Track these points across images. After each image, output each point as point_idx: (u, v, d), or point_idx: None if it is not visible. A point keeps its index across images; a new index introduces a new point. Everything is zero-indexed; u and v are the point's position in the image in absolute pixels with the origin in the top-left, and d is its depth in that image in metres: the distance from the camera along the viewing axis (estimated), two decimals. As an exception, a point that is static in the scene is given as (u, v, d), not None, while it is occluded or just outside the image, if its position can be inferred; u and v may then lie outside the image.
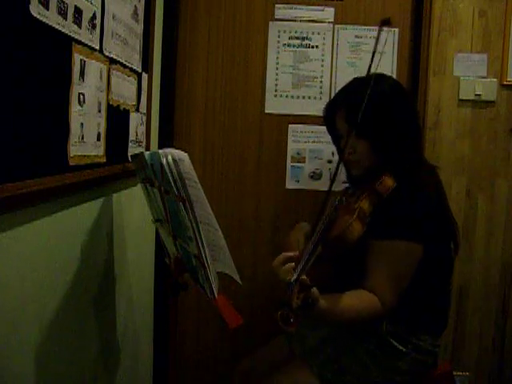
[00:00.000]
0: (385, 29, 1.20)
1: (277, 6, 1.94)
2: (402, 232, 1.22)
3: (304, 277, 1.00)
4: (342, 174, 1.93)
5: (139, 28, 1.46)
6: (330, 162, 1.97)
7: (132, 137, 1.45)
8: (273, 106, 1.96)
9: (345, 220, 1.16)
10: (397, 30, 1.94)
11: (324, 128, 1.94)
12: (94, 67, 1.09)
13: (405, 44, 1.95)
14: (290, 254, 1.14)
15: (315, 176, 1.97)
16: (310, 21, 1.94)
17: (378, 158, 1.32)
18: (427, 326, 1.32)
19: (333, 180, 1.17)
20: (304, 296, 0.99)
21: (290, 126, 1.96)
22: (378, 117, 1.28)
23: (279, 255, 1.15)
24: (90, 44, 1.06)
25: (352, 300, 1.19)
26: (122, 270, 1.45)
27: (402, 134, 1.32)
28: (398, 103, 1.34)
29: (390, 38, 1.93)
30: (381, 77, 1.34)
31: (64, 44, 0.94)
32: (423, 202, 1.25)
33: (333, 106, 1.42)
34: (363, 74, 1.95)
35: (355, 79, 1.41)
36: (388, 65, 1.92)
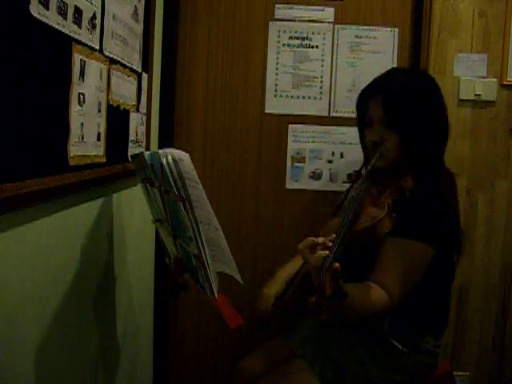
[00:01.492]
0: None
1: (277, 6, 1.94)
2: (418, 233, 1.21)
3: (337, 264, 0.97)
4: (343, 174, 1.95)
5: (139, 28, 1.46)
6: (330, 162, 1.97)
7: (132, 137, 1.45)
8: (273, 106, 1.96)
9: (374, 212, 1.15)
10: (397, 29, 1.94)
11: (324, 128, 1.97)
12: (94, 67, 1.09)
13: (405, 44, 1.95)
14: (318, 239, 1.08)
15: (315, 176, 1.97)
16: (310, 21, 1.94)
17: (403, 153, 1.30)
18: (431, 328, 1.33)
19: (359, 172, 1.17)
20: (335, 284, 0.96)
21: (289, 125, 1.96)
22: (413, 111, 1.28)
23: (305, 239, 1.08)
24: (90, 44, 1.06)
25: (368, 291, 1.17)
26: (122, 270, 1.45)
27: (432, 134, 1.31)
28: (436, 103, 1.34)
29: (390, 37, 1.94)
30: (422, 72, 1.34)
31: (64, 44, 0.94)
32: (441, 206, 1.25)
33: (369, 92, 1.37)
34: (363, 73, 1.97)
35: (394, 69, 1.42)
36: (388, 65, 1.91)
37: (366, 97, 1.38)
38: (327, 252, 1.01)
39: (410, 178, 1.25)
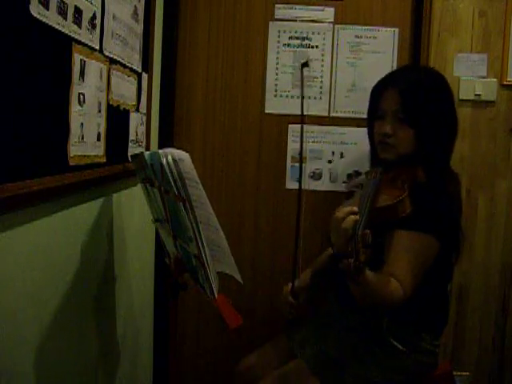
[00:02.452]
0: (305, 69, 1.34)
1: (277, 6, 1.94)
2: (428, 226, 1.22)
3: (367, 230, 0.97)
4: (342, 174, 1.95)
5: (139, 28, 1.46)
6: (330, 162, 1.97)
7: (132, 137, 1.45)
8: (273, 106, 1.96)
9: (395, 192, 1.15)
10: (397, 29, 1.94)
11: (324, 128, 1.97)
12: (94, 67, 1.09)
13: (405, 44, 1.95)
14: (355, 208, 1.07)
15: (315, 176, 1.97)
16: (310, 21, 1.94)
17: (414, 148, 1.31)
18: (429, 326, 1.33)
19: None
20: (366, 252, 0.96)
21: (289, 126, 1.96)
22: (428, 106, 1.29)
23: (344, 208, 1.07)
24: (90, 44, 1.06)
25: (385, 279, 1.17)
26: (122, 270, 1.45)
27: (444, 130, 1.33)
28: (448, 100, 1.35)
29: (391, 37, 1.94)
30: (434, 70, 1.41)
31: (64, 44, 0.94)
32: (448, 205, 1.26)
33: (384, 84, 1.37)
34: (363, 74, 1.97)
35: (408, 65, 1.48)
36: (388, 65, 1.92)
37: (380, 89, 1.38)
38: (357, 217, 1.03)
39: (421, 169, 1.26)
